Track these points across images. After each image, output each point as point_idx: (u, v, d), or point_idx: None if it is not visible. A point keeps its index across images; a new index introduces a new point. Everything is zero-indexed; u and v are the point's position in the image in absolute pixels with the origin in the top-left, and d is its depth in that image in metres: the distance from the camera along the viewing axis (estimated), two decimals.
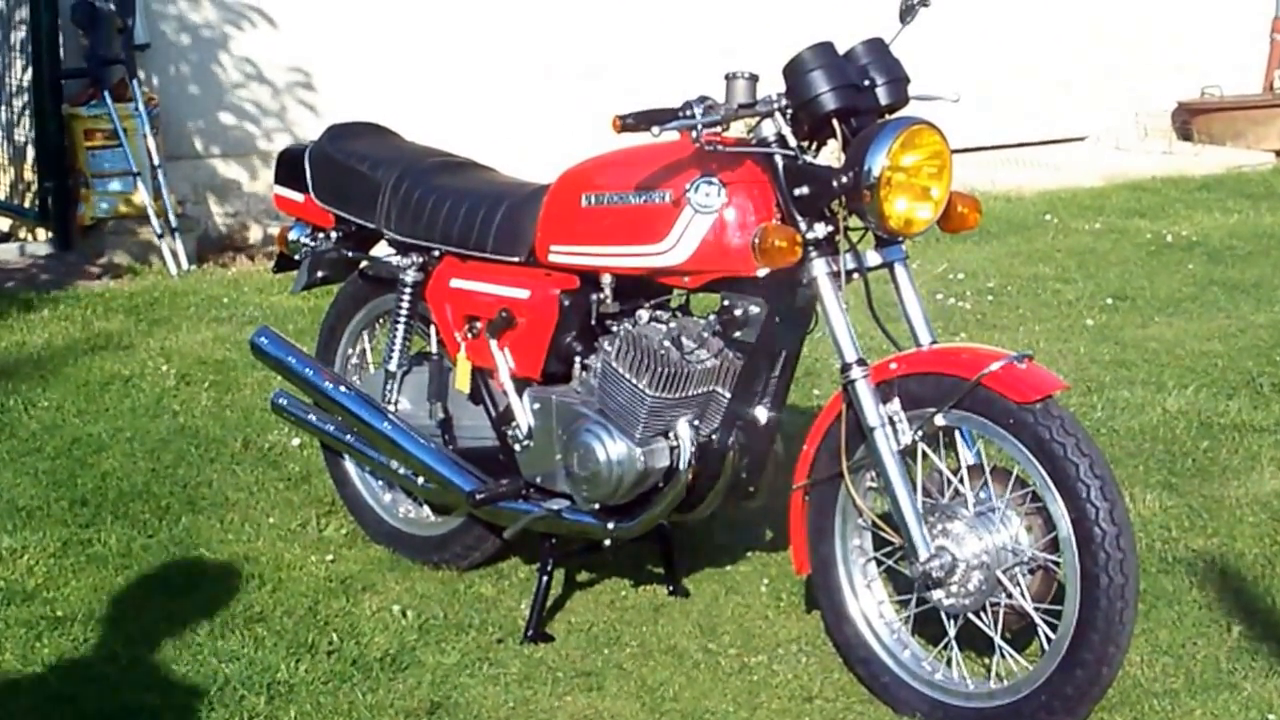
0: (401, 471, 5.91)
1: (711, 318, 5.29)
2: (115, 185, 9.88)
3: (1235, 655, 5.54)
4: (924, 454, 5.09)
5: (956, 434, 5.05)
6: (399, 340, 6.07)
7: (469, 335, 5.73)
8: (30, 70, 9.95)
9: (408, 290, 5.97)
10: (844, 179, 4.96)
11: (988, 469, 5.04)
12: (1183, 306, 9.65)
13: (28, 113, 10.14)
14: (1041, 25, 13.25)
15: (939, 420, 5.00)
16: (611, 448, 5.30)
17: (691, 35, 10.95)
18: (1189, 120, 14.27)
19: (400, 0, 10.69)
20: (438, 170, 5.88)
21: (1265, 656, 5.53)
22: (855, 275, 5.15)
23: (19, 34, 10.10)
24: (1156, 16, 13.95)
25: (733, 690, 5.31)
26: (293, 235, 6.19)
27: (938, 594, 5.01)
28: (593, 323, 5.55)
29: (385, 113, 6.20)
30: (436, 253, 5.85)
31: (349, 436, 6.06)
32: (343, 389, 6.07)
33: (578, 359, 5.58)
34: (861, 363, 5.03)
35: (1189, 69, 14.30)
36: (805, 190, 5.03)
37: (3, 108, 10.44)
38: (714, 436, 5.25)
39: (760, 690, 5.32)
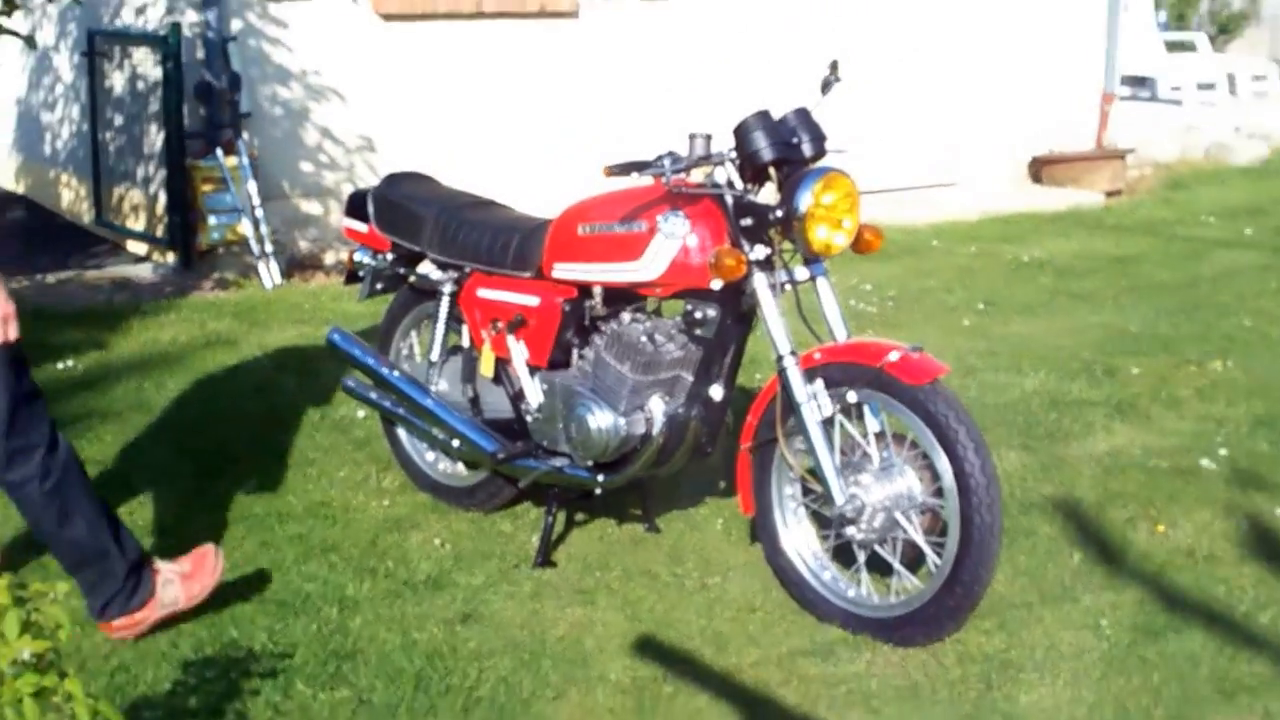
0: (440, 437, 5.89)
1: (678, 319, 5.32)
2: (224, 219, 9.88)
3: (1076, 576, 5.56)
4: (840, 423, 5.09)
5: (865, 408, 5.04)
6: (439, 336, 6.08)
7: (492, 332, 5.73)
8: (162, 133, 9.93)
9: (445, 298, 5.98)
10: (779, 213, 5.03)
11: (889, 434, 5.05)
12: (1036, 311, 9.66)
13: (160, 165, 10.12)
14: (930, 95, 13.24)
15: (851, 397, 5.03)
16: (601, 418, 5.31)
17: (663, 107, 10.94)
18: (1041, 169, 14.28)
19: (436, 82, 10.67)
20: (468, 207, 5.88)
21: (1100, 577, 5.55)
22: (788, 286, 5.19)
23: (154, 106, 10.07)
24: (1018, 89, 13.94)
25: (694, 604, 5.31)
26: (358, 257, 6.19)
27: (851, 530, 5.04)
28: (587, 323, 5.57)
29: (426, 164, 6.17)
30: (467, 269, 5.85)
31: (401, 410, 6.04)
32: (396, 374, 6.06)
33: (576, 350, 5.60)
34: (792, 353, 5.07)
35: (1042, 130, 14.29)
36: (749, 221, 5.09)
37: (142, 162, 10.42)
38: (680, 410, 5.26)
39: (715, 604, 5.31)
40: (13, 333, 4.58)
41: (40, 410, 4.78)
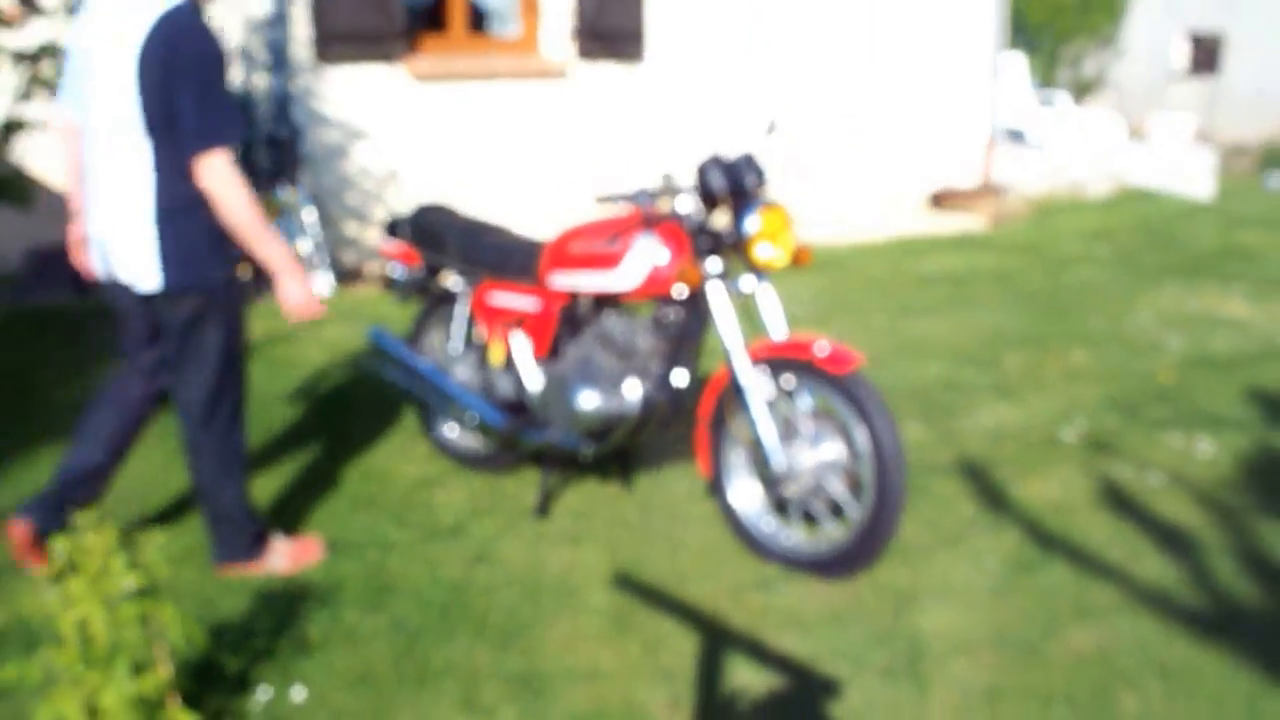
0: (460, 414, 5.88)
1: (650, 319, 5.31)
2: (287, 241, 9.86)
3: (967, 524, 5.57)
4: (778, 403, 5.09)
5: (799, 390, 5.04)
6: (458, 333, 6.06)
7: (501, 330, 5.71)
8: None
9: (463, 302, 5.96)
10: (730, 235, 5.02)
11: (817, 412, 5.05)
12: (935, 313, 9.65)
13: None
14: (852, 142, 13.25)
15: (788, 382, 5.05)
16: (588, 398, 5.30)
17: (637, 150, 10.93)
18: (940, 200, 14.27)
19: (456, 129, 10.64)
20: (481, 230, 5.87)
21: (985, 525, 5.56)
22: (737, 294, 5.18)
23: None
24: (922, 137, 13.97)
25: (662, 547, 5.30)
26: (393, 269, 6.17)
27: (786, 488, 5.04)
28: (577, 322, 5.56)
29: (447, 196, 6.15)
30: (481, 279, 5.83)
31: (428, 393, 6.02)
32: (424, 363, 6.03)
33: (568, 344, 5.58)
34: (741, 347, 5.04)
35: (940, 169, 14.31)
36: (707, 242, 5.09)
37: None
38: (652, 392, 5.24)
39: (678, 548, 5.31)
40: (312, 312, 4.72)
41: (240, 380, 4.84)
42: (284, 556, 4.99)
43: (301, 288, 4.64)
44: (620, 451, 5.87)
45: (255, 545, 4.95)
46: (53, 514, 4.76)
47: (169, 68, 4.33)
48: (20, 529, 4.74)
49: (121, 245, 4.56)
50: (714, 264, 5.11)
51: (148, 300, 4.62)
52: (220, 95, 4.40)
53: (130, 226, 4.52)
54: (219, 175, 4.40)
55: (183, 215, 4.50)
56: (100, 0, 4.53)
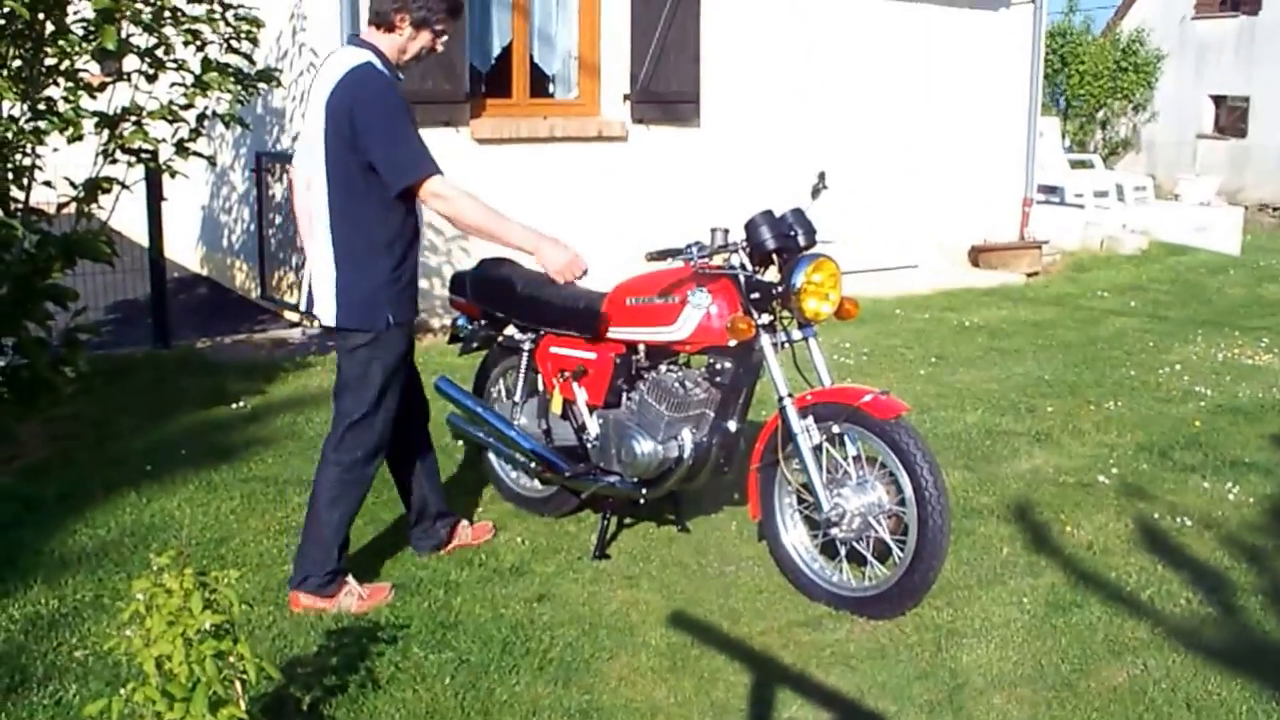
0: (521, 459, 5.88)
1: (703, 369, 5.30)
2: None
3: (1006, 565, 5.53)
4: (826, 449, 5.07)
5: (845, 437, 5.03)
6: (521, 383, 6.06)
7: (561, 380, 5.73)
8: None
9: (525, 354, 5.97)
10: (779, 289, 5.05)
11: (864, 457, 5.04)
12: (975, 363, 9.62)
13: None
14: (896, 200, 13.26)
15: (835, 429, 5.01)
16: (644, 445, 5.30)
17: (690, 207, 10.94)
18: (978, 255, 14.24)
19: (517, 188, 10.67)
20: (542, 284, 5.84)
21: (1023, 565, 5.53)
22: (786, 345, 5.20)
23: None
24: (962, 196, 13.97)
25: (715, 587, 5.28)
26: (459, 322, 6.18)
27: (834, 531, 5.02)
28: (633, 372, 5.56)
29: (508, 251, 6.16)
30: (542, 332, 5.85)
31: (491, 439, 6.02)
32: (488, 411, 6.04)
33: (624, 393, 5.59)
34: (790, 395, 5.06)
35: (979, 226, 14.30)
36: (757, 295, 5.10)
37: (295, 251, 10.44)
38: (705, 439, 5.24)
39: (731, 587, 5.29)
40: (576, 270, 4.92)
41: (383, 422, 5.06)
42: (355, 597, 5.01)
43: (561, 253, 4.86)
44: (675, 496, 5.84)
45: (331, 582, 4.99)
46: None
47: (354, 122, 4.68)
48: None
49: (314, 283, 4.97)
50: (764, 316, 5.11)
51: (328, 330, 4.98)
52: (407, 135, 4.72)
53: (320, 267, 4.90)
54: (438, 196, 4.78)
55: (360, 260, 4.84)
56: (322, 66, 4.92)
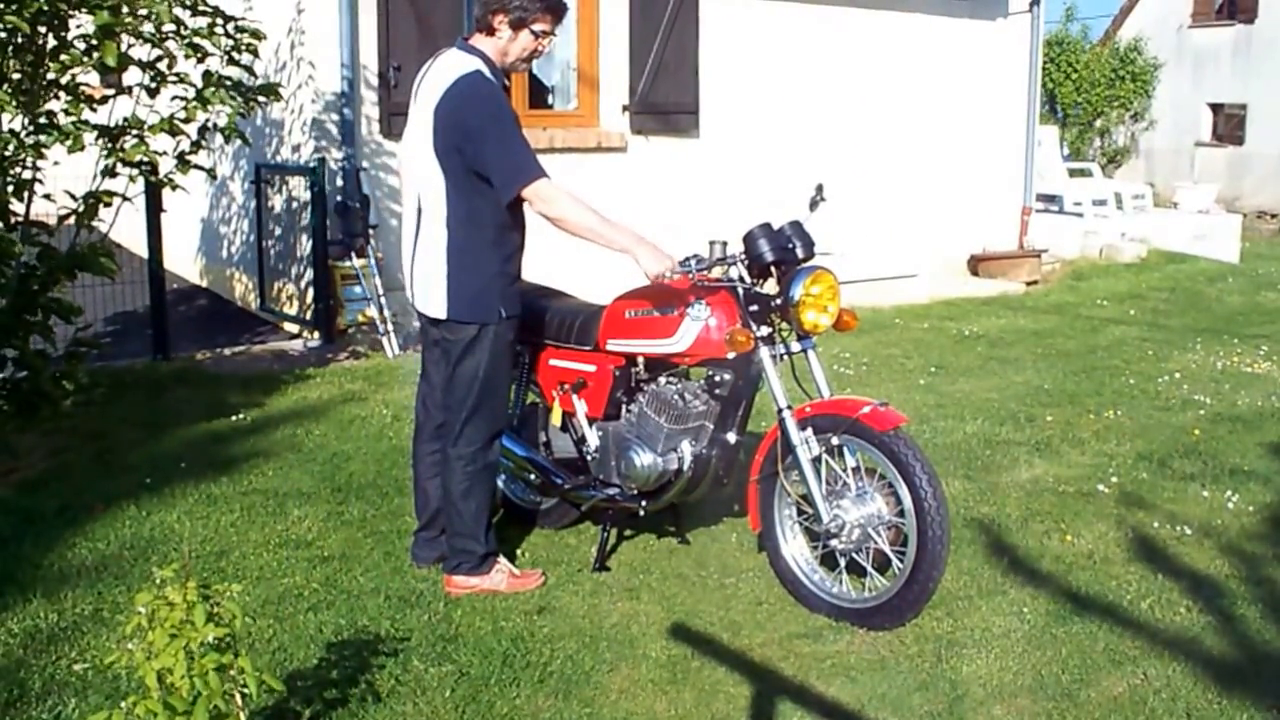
0: (522, 472, 5.88)
1: (702, 381, 5.31)
2: (357, 306, 9.93)
3: (1004, 574, 5.52)
4: (826, 460, 5.08)
5: (844, 448, 5.03)
6: (520, 395, 6.06)
7: (560, 392, 5.72)
8: (310, 241, 9.98)
9: (525, 366, 5.96)
10: (778, 301, 5.06)
11: (863, 469, 5.04)
12: (974, 372, 9.62)
13: (308, 265, 10.16)
14: (895, 210, 13.27)
15: (834, 440, 5.01)
16: (644, 457, 5.31)
17: (690, 218, 10.95)
18: (977, 264, 14.26)
19: None
20: (541, 296, 5.86)
21: (1023, 575, 5.52)
22: (785, 356, 5.20)
23: (304, 221, 10.13)
24: (961, 205, 13.99)
25: (715, 599, 5.28)
26: None
27: (834, 542, 5.02)
28: (633, 384, 5.56)
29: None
30: (542, 343, 5.84)
31: None
32: None
33: (624, 405, 5.58)
34: (789, 407, 5.07)
35: (978, 235, 14.32)
36: (755, 308, 5.10)
37: (295, 263, 10.47)
38: (704, 450, 5.24)
39: (731, 599, 5.28)
40: (663, 266, 4.95)
41: (496, 410, 5.27)
42: (507, 574, 5.28)
43: (655, 256, 4.92)
44: (675, 508, 5.83)
45: (483, 563, 5.24)
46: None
47: (463, 128, 4.87)
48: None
49: (422, 278, 5.14)
50: (763, 329, 5.11)
51: (435, 324, 5.20)
52: (515, 140, 4.92)
53: (429, 263, 5.08)
54: (545, 199, 4.96)
55: (473, 256, 5.02)
56: (430, 68, 5.08)
